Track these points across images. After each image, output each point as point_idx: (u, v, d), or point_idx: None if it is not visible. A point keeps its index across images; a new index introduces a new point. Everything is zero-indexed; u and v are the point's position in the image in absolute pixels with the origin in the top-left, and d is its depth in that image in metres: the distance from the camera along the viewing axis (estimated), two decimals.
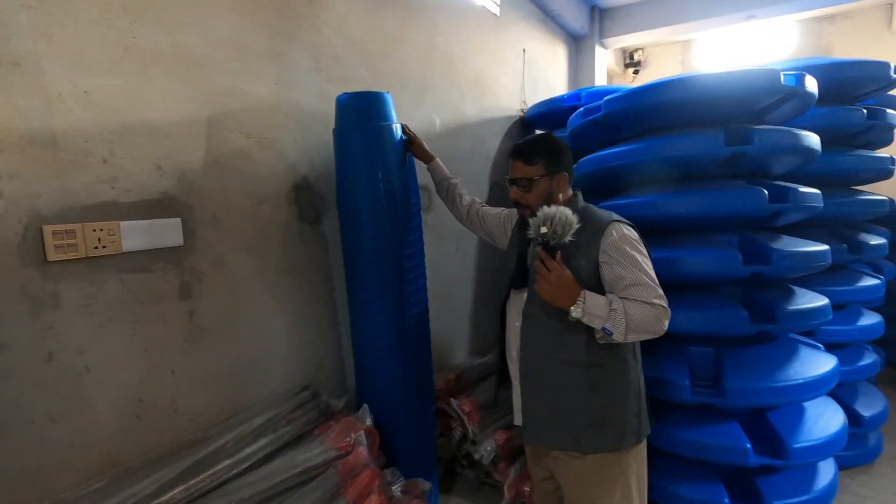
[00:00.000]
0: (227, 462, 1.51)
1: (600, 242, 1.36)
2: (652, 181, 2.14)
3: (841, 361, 2.68)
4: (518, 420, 1.56)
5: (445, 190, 1.98)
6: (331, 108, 1.96)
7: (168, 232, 1.48)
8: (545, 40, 4.16)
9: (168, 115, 1.48)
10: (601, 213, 1.46)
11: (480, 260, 3.23)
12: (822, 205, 2.13)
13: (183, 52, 1.51)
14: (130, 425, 1.41)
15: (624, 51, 6.03)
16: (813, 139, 2.06)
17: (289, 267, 1.90)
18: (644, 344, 1.53)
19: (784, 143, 1.97)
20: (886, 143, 3.34)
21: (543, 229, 1.28)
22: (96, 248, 1.30)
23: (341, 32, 2.10)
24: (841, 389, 2.74)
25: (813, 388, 1.90)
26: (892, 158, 2.81)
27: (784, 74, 1.89)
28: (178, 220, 1.50)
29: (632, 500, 1.44)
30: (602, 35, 4.80)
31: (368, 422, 1.76)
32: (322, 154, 1.99)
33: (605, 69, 5.13)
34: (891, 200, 2.91)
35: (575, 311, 1.28)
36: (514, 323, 1.52)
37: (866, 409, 2.67)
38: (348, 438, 1.63)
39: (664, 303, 1.31)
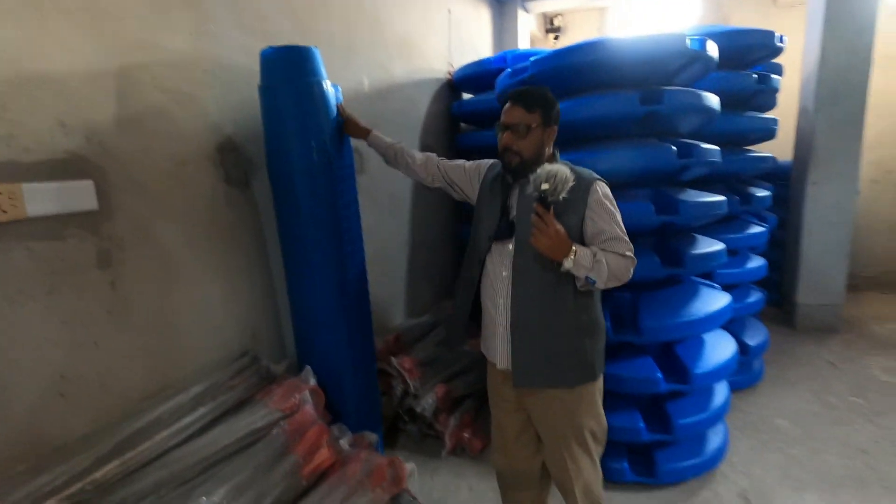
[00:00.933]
0: (164, 433, 1.46)
1: (587, 199, 1.46)
2: (577, 139, 2.26)
3: (737, 299, 3.08)
4: (502, 364, 1.59)
5: (394, 156, 1.89)
6: (255, 65, 1.86)
7: (79, 195, 1.36)
8: (470, 2, 4.14)
9: (71, 67, 1.34)
10: (581, 170, 1.51)
11: (415, 223, 3.26)
12: (721, 160, 2.38)
13: (92, 2, 1.36)
14: (55, 403, 1.32)
15: (545, 16, 6.14)
16: (714, 99, 2.28)
17: (218, 233, 1.82)
18: None
19: (690, 103, 2.17)
20: (771, 106, 3.75)
21: (545, 186, 1.32)
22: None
23: None
24: (732, 324, 3.15)
25: (711, 321, 2.18)
26: (776, 120, 3.17)
27: (689, 39, 2.06)
28: (89, 183, 1.38)
29: (602, 411, 1.66)
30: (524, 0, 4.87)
31: (312, 382, 1.77)
32: (248, 113, 1.89)
33: (527, 33, 5.22)
34: (773, 158, 3.30)
35: (567, 263, 1.37)
36: (502, 273, 1.55)
37: (752, 340, 3.09)
38: (293, 399, 1.64)
39: (632, 254, 1.46)
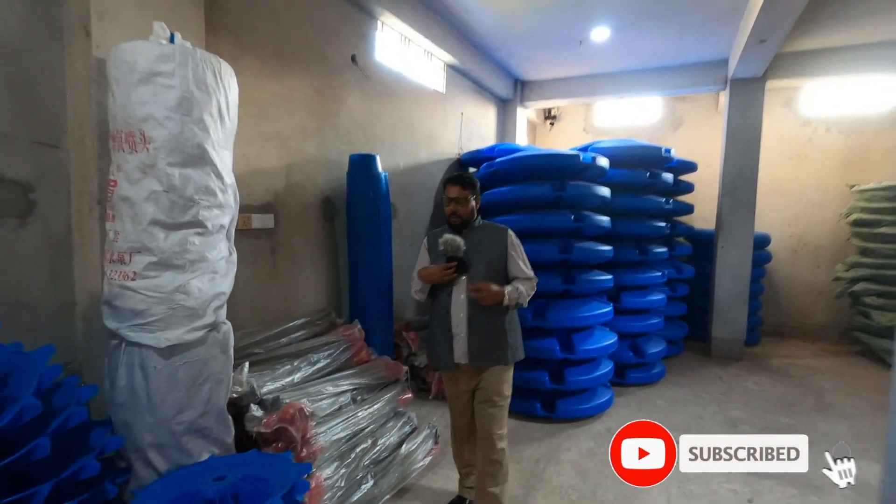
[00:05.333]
0: (290, 336, 3.04)
1: (506, 240, 2.28)
2: (518, 208, 3.87)
3: (639, 320, 4.51)
4: (463, 359, 2.25)
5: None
6: (342, 158, 3.57)
7: (268, 220, 3.03)
8: (479, 104, 5.93)
9: (271, 164, 3.05)
10: (497, 224, 2.39)
11: None
12: (609, 226, 3.93)
13: (281, 133, 3.09)
14: (248, 310, 2.94)
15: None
16: (603, 190, 3.87)
17: (316, 243, 3.47)
18: None
19: (585, 192, 3.75)
20: (689, 190, 5.31)
21: (442, 248, 2.13)
22: (244, 225, 2.83)
23: (350, 115, 3.72)
24: (639, 337, 4.56)
25: (592, 319, 3.67)
26: (668, 200, 4.70)
27: (583, 156, 3.68)
28: (272, 215, 3.06)
29: (511, 386, 2.41)
30: (523, 100, 6.63)
31: (359, 327, 3.33)
32: (337, 183, 3.59)
33: (525, 122, 6.97)
34: (668, 225, 4.80)
35: (505, 301, 2.18)
36: (460, 296, 2.24)
37: (650, 348, 4.48)
38: (351, 332, 3.20)
39: (533, 274, 2.34)
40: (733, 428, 3.65)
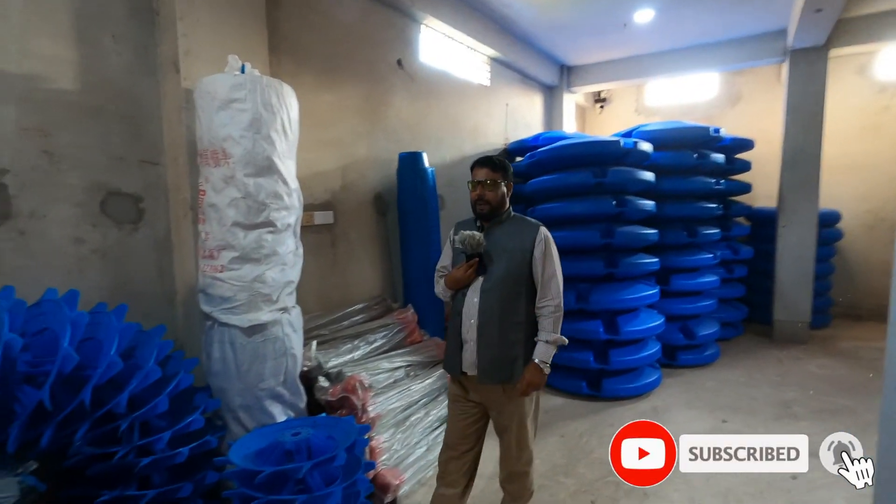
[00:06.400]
0: (350, 319, 3.40)
1: (534, 237, 1.90)
2: (563, 195, 4.00)
3: (689, 302, 4.51)
4: (472, 370, 1.93)
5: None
6: (392, 157, 3.87)
7: (328, 217, 3.39)
8: (524, 94, 6.03)
9: (329, 167, 3.40)
10: (529, 219, 2.00)
11: None
12: (653, 209, 3.96)
13: (336, 138, 3.43)
14: (313, 298, 3.32)
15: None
16: (646, 174, 3.91)
17: (371, 235, 3.80)
18: None
19: (627, 177, 3.82)
20: (745, 169, 5.17)
21: (459, 245, 1.88)
22: (307, 222, 3.20)
23: (397, 116, 4.01)
24: (690, 319, 4.55)
25: (636, 301, 3.75)
26: (717, 181, 4.61)
27: (623, 141, 3.74)
28: (331, 212, 3.41)
29: (536, 403, 2.09)
30: (569, 85, 6.64)
31: (412, 310, 3.63)
32: (387, 180, 3.89)
33: (573, 107, 6.96)
34: (720, 205, 4.71)
35: (547, 369, 1.88)
36: (473, 300, 1.92)
37: (701, 330, 4.47)
38: (405, 315, 3.52)
39: (558, 295, 1.91)
40: (785, 409, 3.62)
